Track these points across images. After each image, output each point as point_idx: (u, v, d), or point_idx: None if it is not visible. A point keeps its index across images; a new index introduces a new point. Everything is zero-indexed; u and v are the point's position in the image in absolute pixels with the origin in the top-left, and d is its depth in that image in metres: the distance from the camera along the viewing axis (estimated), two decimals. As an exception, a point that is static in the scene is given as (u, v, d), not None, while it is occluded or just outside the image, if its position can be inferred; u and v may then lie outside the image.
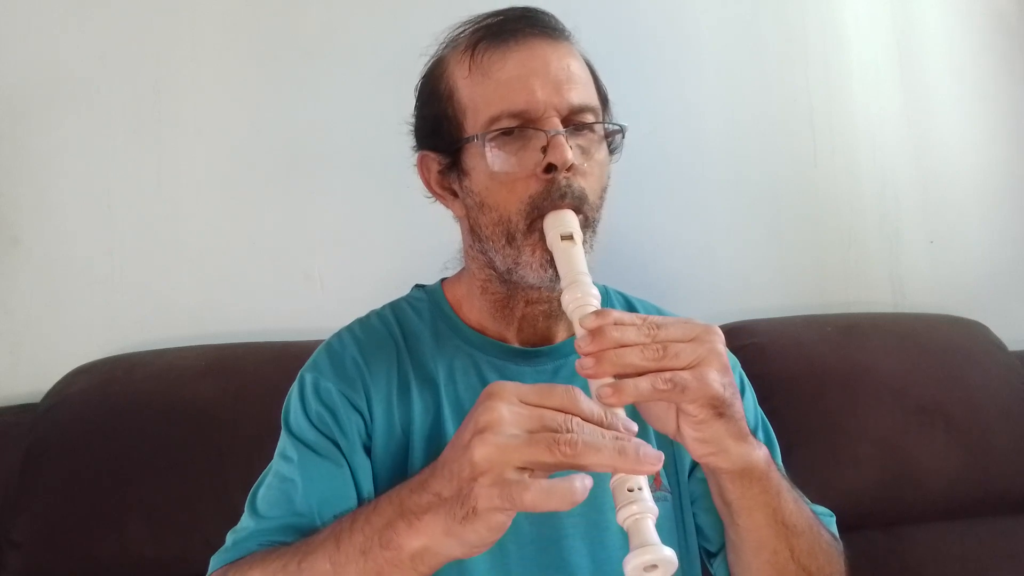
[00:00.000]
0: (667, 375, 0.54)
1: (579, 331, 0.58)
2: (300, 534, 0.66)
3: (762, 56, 1.45)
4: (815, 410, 1.14)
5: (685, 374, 0.54)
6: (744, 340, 1.20)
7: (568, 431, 0.47)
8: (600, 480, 0.47)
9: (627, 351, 0.54)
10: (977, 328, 1.31)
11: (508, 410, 0.48)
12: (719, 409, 0.57)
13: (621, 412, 0.52)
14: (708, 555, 0.78)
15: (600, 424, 0.49)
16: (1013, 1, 1.53)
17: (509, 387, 0.50)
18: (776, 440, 0.81)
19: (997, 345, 1.28)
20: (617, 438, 0.48)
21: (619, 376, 0.54)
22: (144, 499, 1.01)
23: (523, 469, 0.47)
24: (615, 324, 0.55)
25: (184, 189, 1.28)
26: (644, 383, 0.53)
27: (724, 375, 0.56)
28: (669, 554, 0.45)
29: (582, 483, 0.45)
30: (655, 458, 0.46)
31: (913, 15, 1.50)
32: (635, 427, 0.50)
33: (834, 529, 0.75)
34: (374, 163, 1.29)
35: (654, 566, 0.45)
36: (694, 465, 0.78)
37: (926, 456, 1.13)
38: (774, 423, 0.83)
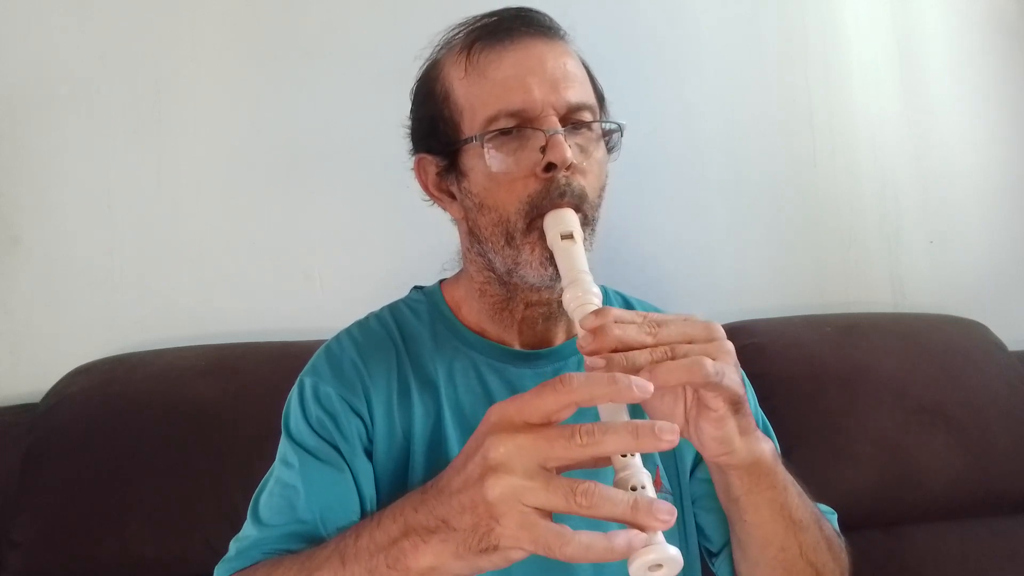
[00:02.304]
0: (717, 363, 0.53)
1: (580, 330, 0.58)
2: (304, 541, 0.66)
3: (762, 56, 1.45)
4: (815, 410, 1.14)
5: (722, 366, 0.54)
6: (744, 340, 1.20)
7: (581, 440, 0.46)
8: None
9: (636, 354, 0.53)
10: (977, 328, 1.31)
11: (517, 444, 0.46)
12: (736, 406, 0.57)
13: (623, 408, 0.51)
14: (710, 555, 0.78)
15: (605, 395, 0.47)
16: (1013, 1, 1.53)
17: (511, 410, 0.48)
18: (776, 439, 0.81)
19: (997, 345, 1.28)
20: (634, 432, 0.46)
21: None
22: (144, 499, 1.01)
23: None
24: (616, 322, 0.55)
25: (184, 189, 1.28)
26: (711, 365, 0.52)
27: (737, 371, 0.57)
28: (674, 553, 0.45)
29: (627, 542, 0.44)
30: (667, 512, 0.45)
31: (913, 15, 1.50)
32: (650, 386, 0.47)
33: (836, 526, 0.75)
34: (374, 163, 1.29)
35: (659, 565, 0.45)
36: (695, 465, 0.78)
37: (926, 456, 1.13)
38: (774, 423, 0.84)
